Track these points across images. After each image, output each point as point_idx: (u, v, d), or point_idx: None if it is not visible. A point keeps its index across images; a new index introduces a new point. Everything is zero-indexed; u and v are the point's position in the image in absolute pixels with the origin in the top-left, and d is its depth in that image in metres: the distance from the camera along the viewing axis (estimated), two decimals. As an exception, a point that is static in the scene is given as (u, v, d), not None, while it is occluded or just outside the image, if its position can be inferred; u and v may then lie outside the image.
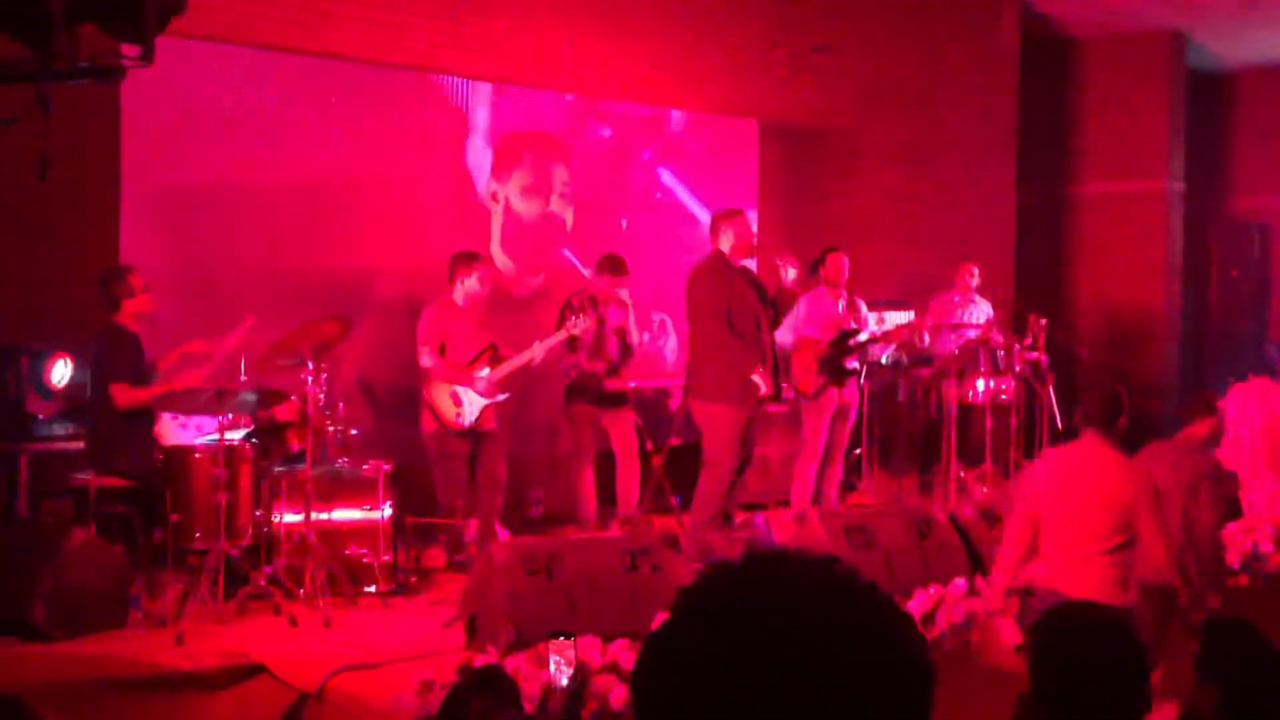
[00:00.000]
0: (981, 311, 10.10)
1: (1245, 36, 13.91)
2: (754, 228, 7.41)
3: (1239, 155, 15.90)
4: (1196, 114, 14.43)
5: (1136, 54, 13.85)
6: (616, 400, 8.18)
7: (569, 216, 9.70)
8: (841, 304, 8.84)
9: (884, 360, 9.69)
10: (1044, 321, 9.57)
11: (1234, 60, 15.08)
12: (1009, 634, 5.23)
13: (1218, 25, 13.37)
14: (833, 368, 8.56)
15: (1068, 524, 5.14)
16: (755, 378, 7.15)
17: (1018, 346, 9.49)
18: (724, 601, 1.30)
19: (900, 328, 9.40)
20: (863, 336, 8.75)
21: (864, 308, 9.09)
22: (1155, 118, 13.83)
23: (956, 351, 9.44)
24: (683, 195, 10.29)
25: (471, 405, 7.30)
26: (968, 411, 9.43)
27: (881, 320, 9.65)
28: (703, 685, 1.25)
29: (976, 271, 10.19)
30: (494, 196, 9.31)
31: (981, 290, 10.24)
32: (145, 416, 6.79)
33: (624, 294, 8.24)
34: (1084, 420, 5.32)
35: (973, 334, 9.66)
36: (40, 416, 6.83)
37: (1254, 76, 15.58)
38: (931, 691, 1.30)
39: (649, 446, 8.12)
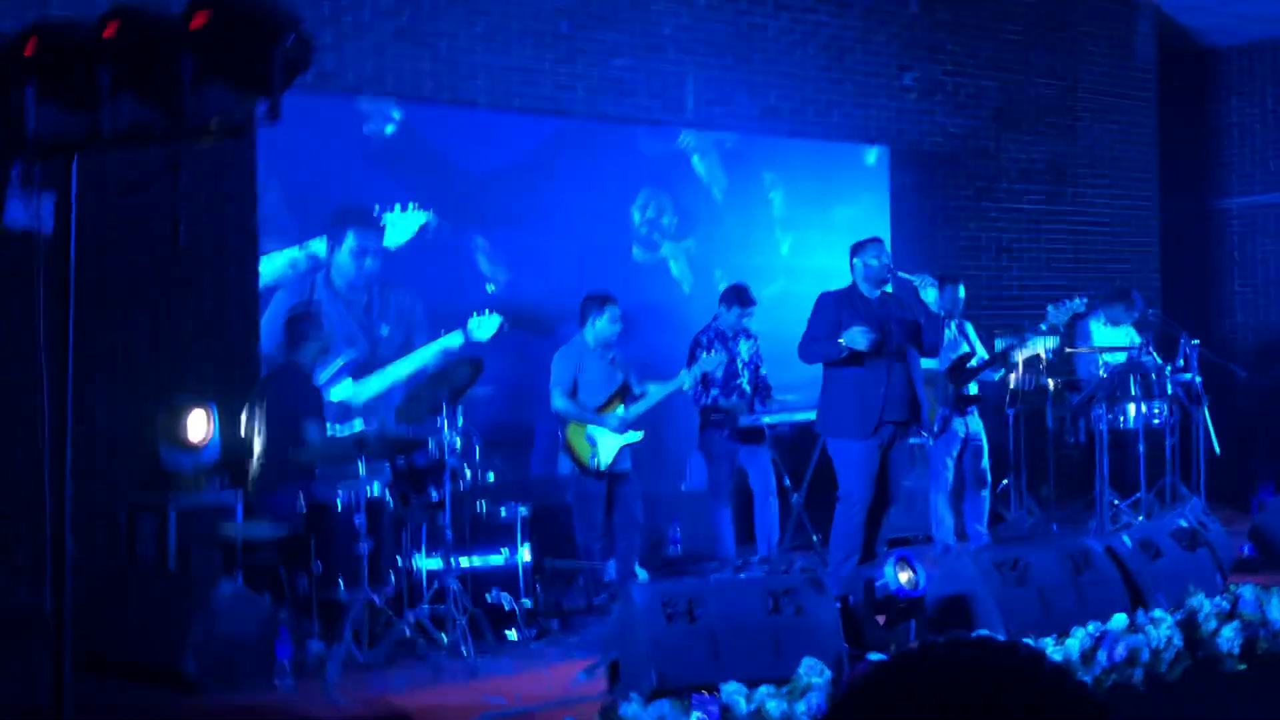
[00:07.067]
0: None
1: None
2: (885, 255, 7.19)
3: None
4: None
5: (1275, 59, 13.37)
6: (753, 436, 8.06)
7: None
8: (954, 330, 8.59)
9: (1012, 383, 9.29)
10: (1195, 341, 9.19)
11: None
12: None
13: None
14: (953, 397, 8.34)
15: None
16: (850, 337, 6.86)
17: (1169, 368, 9.12)
18: (902, 686, 1.19)
19: (1009, 347, 8.88)
20: (975, 362, 8.51)
21: (971, 331, 8.82)
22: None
23: (1105, 376, 9.08)
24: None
25: (606, 447, 7.24)
26: (1119, 437, 9.08)
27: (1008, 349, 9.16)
28: None
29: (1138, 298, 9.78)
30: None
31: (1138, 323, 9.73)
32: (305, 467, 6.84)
33: (750, 327, 8.13)
34: None
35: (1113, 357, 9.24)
36: (179, 470, 6.92)
37: None
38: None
39: (787, 483, 7.97)
